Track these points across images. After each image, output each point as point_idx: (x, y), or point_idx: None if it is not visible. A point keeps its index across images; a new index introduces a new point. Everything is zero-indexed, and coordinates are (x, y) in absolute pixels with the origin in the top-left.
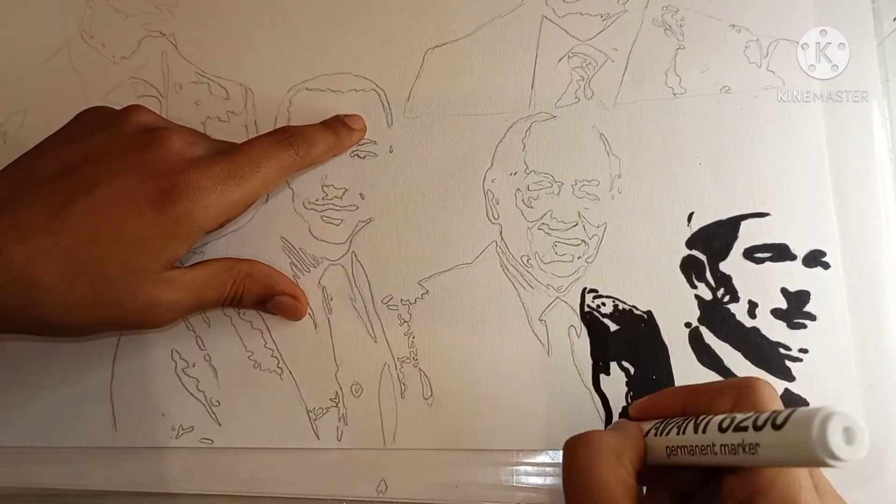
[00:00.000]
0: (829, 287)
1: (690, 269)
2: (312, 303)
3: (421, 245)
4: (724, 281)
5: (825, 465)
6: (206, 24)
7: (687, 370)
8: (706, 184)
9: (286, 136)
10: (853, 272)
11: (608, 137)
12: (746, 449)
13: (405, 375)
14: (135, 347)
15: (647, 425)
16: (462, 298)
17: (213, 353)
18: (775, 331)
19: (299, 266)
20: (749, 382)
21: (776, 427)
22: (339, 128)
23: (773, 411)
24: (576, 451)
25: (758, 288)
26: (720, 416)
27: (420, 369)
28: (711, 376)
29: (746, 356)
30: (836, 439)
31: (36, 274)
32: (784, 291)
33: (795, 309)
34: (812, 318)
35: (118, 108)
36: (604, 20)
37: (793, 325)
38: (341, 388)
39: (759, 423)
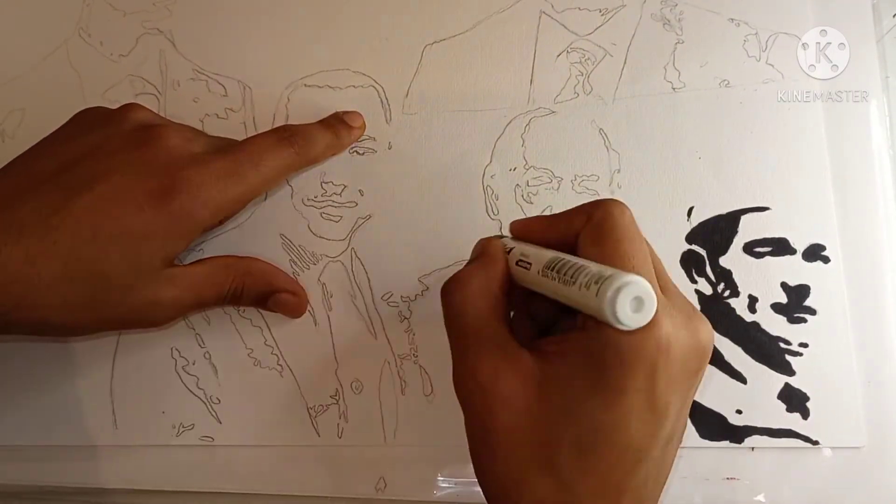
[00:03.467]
0: (829, 281)
1: (690, 263)
2: (312, 300)
3: (420, 241)
4: (724, 275)
5: (618, 326)
6: (204, 21)
7: None
8: (706, 178)
9: (286, 135)
10: (853, 266)
11: (607, 132)
12: (567, 297)
13: (405, 372)
14: (135, 345)
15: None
16: None
17: (213, 350)
18: (775, 325)
19: (299, 263)
20: (599, 202)
21: (585, 286)
22: (339, 126)
23: (582, 270)
24: (448, 296)
25: (758, 282)
26: (551, 259)
27: (420, 366)
28: (712, 371)
29: (747, 351)
30: (625, 310)
31: (35, 273)
32: (784, 286)
33: (795, 303)
34: (812, 312)
35: (116, 105)
36: (602, 15)
37: (793, 320)
38: (341, 385)
39: (569, 277)
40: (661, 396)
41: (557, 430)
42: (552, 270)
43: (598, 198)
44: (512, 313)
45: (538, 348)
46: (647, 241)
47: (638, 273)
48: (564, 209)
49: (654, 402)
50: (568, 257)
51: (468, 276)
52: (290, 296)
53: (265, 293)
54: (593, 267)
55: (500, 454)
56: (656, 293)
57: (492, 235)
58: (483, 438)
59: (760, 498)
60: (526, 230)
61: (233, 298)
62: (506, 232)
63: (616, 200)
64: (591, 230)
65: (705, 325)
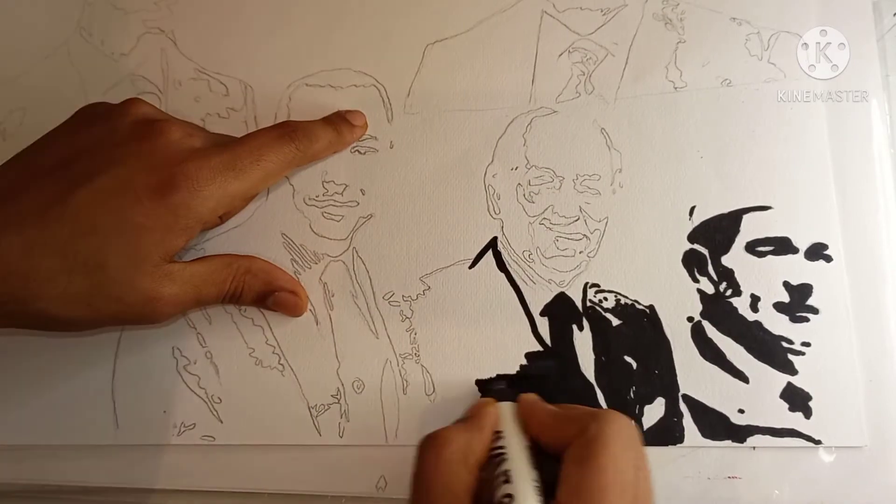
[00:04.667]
0: (832, 280)
1: (692, 262)
2: (314, 299)
3: (422, 241)
4: (727, 275)
5: None
6: (206, 21)
7: (689, 364)
8: (708, 177)
9: (287, 131)
10: (855, 265)
11: (609, 132)
12: None
13: (407, 371)
14: (136, 345)
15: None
16: (464, 294)
17: (215, 350)
18: (778, 324)
19: (300, 262)
20: (599, 415)
21: None
22: (340, 124)
23: None
24: (424, 453)
25: (760, 281)
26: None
27: (422, 365)
28: (713, 370)
29: (749, 350)
30: None
31: (34, 265)
32: (786, 285)
33: (798, 302)
34: (814, 311)
35: None
36: (604, 15)
37: (795, 319)
38: (343, 385)
39: None
40: None
41: None
42: (501, 482)
43: (604, 410)
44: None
45: None
46: (642, 465)
47: None
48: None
49: None
50: (515, 484)
51: (450, 440)
52: (290, 295)
53: (265, 292)
54: None
55: None
56: None
57: (492, 399)
58: None
59: (762, 497)
60: (532, 417)
61: (233, 297)
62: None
63: (616, 416)
64: (577, 450)
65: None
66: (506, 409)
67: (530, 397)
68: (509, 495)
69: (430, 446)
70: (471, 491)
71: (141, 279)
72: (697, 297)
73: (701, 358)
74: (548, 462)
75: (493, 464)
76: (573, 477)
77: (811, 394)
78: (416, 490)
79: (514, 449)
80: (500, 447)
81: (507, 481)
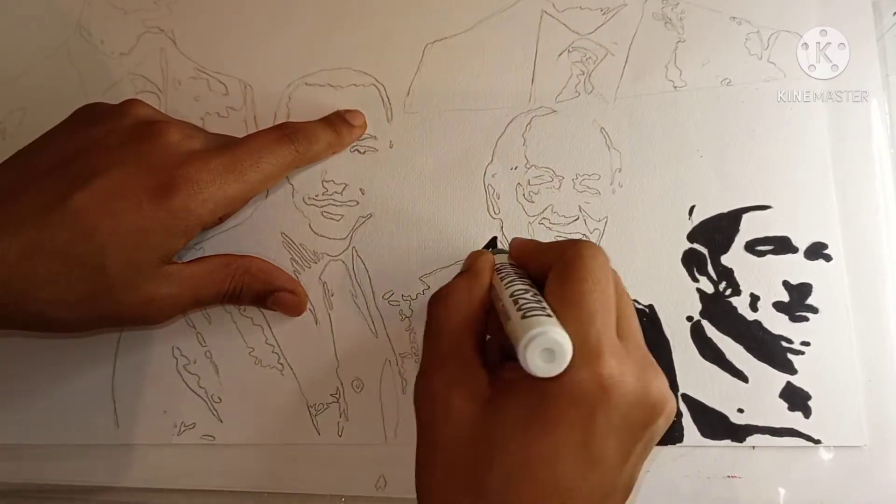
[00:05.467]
0: (831, 279)
1: (692, 262)
2: (313, 298)
3: (421, 240)
4: (726, 274)
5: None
6: (205, 20)
7: (688, 364)
8: (707, 177)
9: (287, 132)
10: (855, 264)
11: (609, 131)
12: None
13: (406, 371)
14: (136, 344)
15: (500, 262)
16: None
17: (214, 349)
18: (777, 324)
19: (300, 262)
20: (574, 243)
21: (514, 329)
22: (340, 124)
23: (523, 310)
24: (431, 308)
25: (759, 281)
26: (514, 290)
27: None
28: (713, 370)
29: (748, 349)
30: (535, 359)
31: (33, 268)
32: (786, 284)
33: (797, 302)
34: (814, 310)
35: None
36: (604, 14)
37: (795, 318)
38: (342, 384)
39: (513, 316)
40: (597, 439)
41: (492, 455)
42: (511, 299)
43: (576, 237)
44: (488, 337)
45: (498, 372)
46: (619, 284)
47: (586, 320)
48: (565, 206)
49: (589, 443)
50: (528, 295)
51: (451, 290)
52: (289, 295)
53: (264, 292)
54: (529, 310)
55: (437, 470)
56: (595, 340)
57: (486, 250)
58: (425, 451)
59: (762, 497)
60: (520, 251)
61: (232, 297)
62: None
63: (590, 243)
64: (558, 269)
65: (659, 381)
66: (501, 255)
67: (520, 238)
68: (521, 289)
69: (436, 300)
70: (477, 331)
71: (140, 281)
72: (697, 296)
73: (700, 357)
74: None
75: (497, 285)
76: (556, 290)
77: (811, 393)
78: (427, 340)
79: (513, 269)
80: (501, 273)
81: (513, 283)
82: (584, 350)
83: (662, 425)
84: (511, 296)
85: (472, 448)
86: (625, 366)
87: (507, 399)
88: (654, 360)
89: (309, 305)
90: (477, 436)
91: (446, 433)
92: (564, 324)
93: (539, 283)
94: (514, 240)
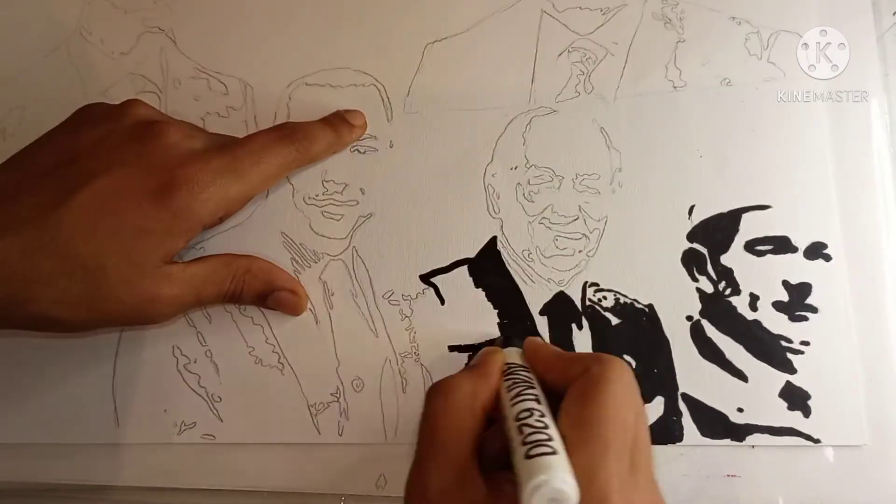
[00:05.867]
0: (831, 279)
1: (692, 262)
2: (313, 298)
3: (422, 240)
4: (726, 274)
5: None
6: (205, 20)
7: (688, 363)
8: (707, 176)
9: (287, 132)
10: (855, 264)
11: (609, 131)
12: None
13: (406, 370)
14: (136, 344)
15: (514, 364)
16: (463, 293)
17: (215, 349)
18: (777, 323)
19: (300, 261)
20: (601, 359)
21: (519, 465)
22: (340, 124)
23: (529, 455)
24: (431, 400)
25: (759, 280)
26: (520, 412)
27: (421, 364)
28: (713, 369)
29: (748, 349)
30: None
31: (33, 267)
32: (785, 284)
33: (797, 301)
34: (814, 310)
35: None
36: (604, 14)
37: (794, 318)
38: (342, 383)
39: (517, 450)
40: None
41: None
42: (516, 424)
43: (604, 354)
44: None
45: (496, 480)
46: (640, 411)
47: (599, 455)
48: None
49: None
50: (533, 419)
51: (455, 386)
52: (289, 294)
53: (265, 291)
54: (534, 445)
55: None
56: (604, 480)
57: (498, 346)
58: None
59: (761, 496)
60: (536, 357)
61: (232, 297)
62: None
63: (619, 361)
64: (581, 386)
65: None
66: (513, 352)
67: (536, 340)
68: (528, 410)
69: (437, 394)
70: (477, 436)
71: (140, 281)
72: (697, 296)
73: (700, 357)
74: (552, 399)
75: (504, 397)
76: (574, 410)
77: (810, 392)
78: (423, 437)
79: (524, 375)
80: (511, 379)
81: (521, 399)
82: (592, 491)
83: None
84: (517, 419)
85: None
86: (630, 499)
87: None
88: (661, 492)
89: (309, 305)
90: None
91: None
92: (574, 454)
93: (552, 393)
94: (530, 342)
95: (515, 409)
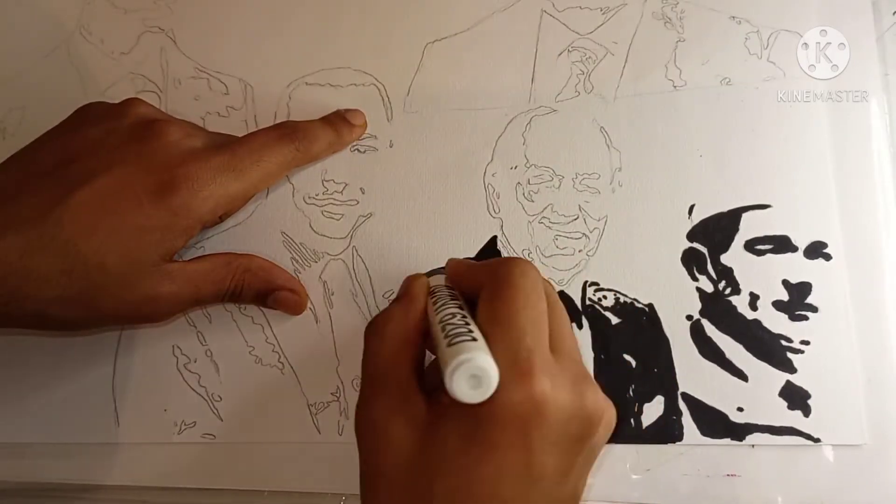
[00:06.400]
0: (831, 278)
1: (692, 261)
2: (313, 297)
3: (422, 239)
4: (726, 273)
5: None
6: (205, 19)
7: (688, 363)
8: (707, 176)
9: (287, 131)
10: (855, 263)
11: (608, 131)
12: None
13: None
14: (137, 343)
15: (435, 285)
16: None
17: (215, 348)
18: (777, 323)
19: (300, 261)
20: (504, 261)
21: (444, 355)
22: (340, 124)
23: (451, 344)
24: (366, 339)
25: (759, 280)
26: (443, 315)
27: None
28: (713, 368)
29: (748, 348)
30: (461, 386)
31: (33, 266)
32: (785, 283)
33: (797, 301)
34: (814, 309)
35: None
36: (603, 14)
37: (794, 317)
38: (342, 383)
39: (440, 344)
40: (535, 456)
41: (433, 482)
42: (440, 325)
43: (510, 257)
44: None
45: (436, 397)
46: (552, 299)
47: (516, 339)
48: (565, 205)
49: (528, 461)
50: (455, 320)
51: (386, 318)
52: (289, 293)
53: (265, 291)
54: (455, 336)
55: (380, 497)
56: (525, 358)
57: (423, 272)
58: (368, 480)
59: (761, 495)
60: (454, 272)
61: (232, 296)
62: (505, 240)
63: (520, 260)
64: (489, 288)
65: (593, 393)
66: (437, 277)
67: (455, 259)
68: (450, 314)
69: (370, 330)
70: (414, 358)
71: (140, 279)
72: (696, 295)
73: (700, 356)
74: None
75: (430, 312)
76: (487, 308)
77: (810, 392)
78: (364, 372)
79: (447, 292)
80: (435, 297)
81: (443, 307)
82: (515, 370)
83: (603, 435)
84: (440, 322)
85: (412, 475)
86: (557, 381)
87: (445, 424)
88: (588, 372)
89: (309, 304)
90: (417, 462)
91: (387, 461)
92: (494, 344)
93: (473, 303)
94: (450, 261)
95: (439, 317)
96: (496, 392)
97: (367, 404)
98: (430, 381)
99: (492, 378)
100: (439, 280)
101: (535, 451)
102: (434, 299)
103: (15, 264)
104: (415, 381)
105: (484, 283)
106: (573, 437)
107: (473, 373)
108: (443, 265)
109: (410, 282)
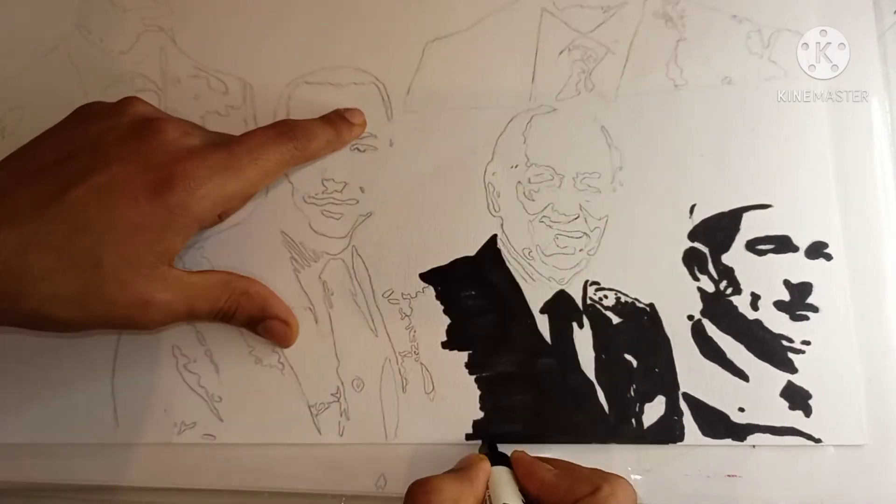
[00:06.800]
0: (832, 278)
1: (693, 261)
2: (313, 297)
3: (421, 239)
4: (727, 273)
5: None
6: (205, 19)
7: (689, 363)
8: (708, 176)
9: (286, 129)
10: (856, 263)
11: (609, 130)
12: None
13: (406, 370)
14: (136, 344)
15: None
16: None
17: (215, 348)
18: (778, 323)
19: (300, 260)
20: (611, 479)
21: None
22: (339, 122)
23: None
24: (414, 499)
25: (760, 280)
26: None
27: (421, 363)
28: (714, 369)
29: (749, 348)
30: None
31: (28, 263)
32: (786, 283)
33: (798, 300)
34: (815, 309)
35: None
36: (604, 12)
37: (795, 317)
38: (342, 383)
39: None
40: None
41: None
42: None
43: (608, 471)
44: None
45: None
46: None
47: None
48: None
49: None
50: None
51: (440, 487)
52: (281, 324)
53: (258, 317)
54: None
55: None
56: None
57: (483, 454)
58: None
59: (762, 495)
60: (527, 473)
61: (225, 316)
62: (505, 238)
63: (625, 481)
64: None
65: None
66: (501, 472)
67: (524, 456)
68: None
69: (419, 493)
70: None
71: (135, 280)
72: (698, 295)
73: (701, 356)
74: None
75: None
76: None
77: (811, 392)
78: None
79: (509, 490)
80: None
81: None
82: None
83: None
84: None
85: None
86: None
87: None
88: None
89: (309, 304)
90: None
91: None
92: None
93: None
94: (517, 455)
95: None
96: None
97: None
98: None
99: None
100: (505, 477)
101: None
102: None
103: (10, 260)
104: None
105: (580, 496)
106: None
107: None
108: (503, 452)
109: (473, 460)
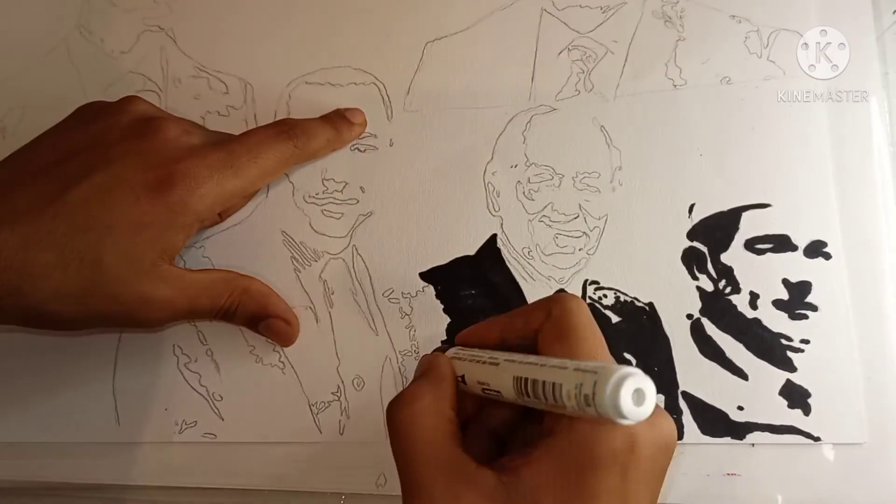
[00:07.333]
0: (831, 277)
1: (692, 260)
2: (314, 297)
3: (421, 238)
4: (726, 272)
5: (618, 422)
6: (205, 19)
7: (689, 361)
8: (707, 175)
9: (286, 128)
10: (854, 262)
11: (609, 129)
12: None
13: (407, 369)
14: (137, 342)
15: (463, 353)
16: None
17: (215, 347)
18: (777, 322)
19: (300, 260)
20: (557, 298)
21: (572, 388)
22: (339, 122)
23: (561, 373)
24: (394, 416)
25: (759, 279)
26: (517, 377)
27: None
28: (713, 367)
29: (748, 347)
30: (627, 402)
31: (29, 260)
32: (785, 282)
33: (797, 300)
34: (814, 308)
35: None
36: (604, 12)
37: (794, 316)
38: (343, 382)
39: (544, 391)
40: (632, 497)
41: None
42: (522, 387)
43: (554, 293)
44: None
45: (501, 465)
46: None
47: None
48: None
49: (626, 502)
50: (528, 364)
51: (415, 395)
52: (282, 323)
53: (259, 316)
54: (571, 365)
55: None
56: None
57: (436, 348)
58: None
59: (761, 494)
60: (477, 337)
61: (225, 314)
62: (505, 238)
63: (572, 295)
64: (552, 327)
65: (668, 422)
66: (455, 350)
67: (468, 329)
68: (526, 365)
69: (398, 408)
70: (456, 435)
71: (136, 278)
72: (697, 294)
73: (700, 355)
74: None
75: (475, 387)
76: (559, 347)
77: (810, 391)
78: (403, 458)
79: (475, 356)
80: (478, 360)
81: (506, 363)
82: None
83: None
84: (521, 381)
85: None
86: None
87: (532, 485)
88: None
89: (309, 303)
90: None
91: None
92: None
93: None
94: (462, 333)
95: (507, 381)
96: (595, 437)
97: (424, 497)
98: (475, 454)
99: (653, 390)
100: (456, 352)
101: (631, 493)
102: (478, 359)
103: (11, 258)
104: (468, 454)
105: (538, 325)
106: (659, 469)
107: (638, 386)
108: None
109: (430, 359)
